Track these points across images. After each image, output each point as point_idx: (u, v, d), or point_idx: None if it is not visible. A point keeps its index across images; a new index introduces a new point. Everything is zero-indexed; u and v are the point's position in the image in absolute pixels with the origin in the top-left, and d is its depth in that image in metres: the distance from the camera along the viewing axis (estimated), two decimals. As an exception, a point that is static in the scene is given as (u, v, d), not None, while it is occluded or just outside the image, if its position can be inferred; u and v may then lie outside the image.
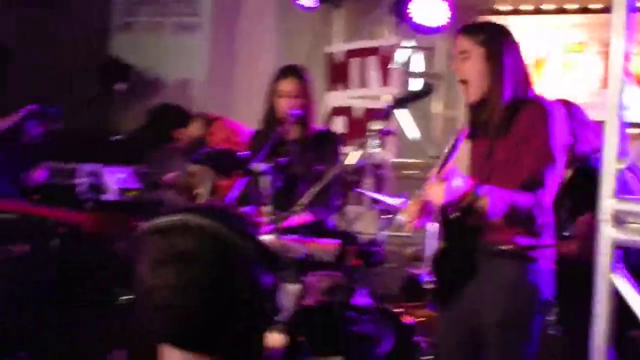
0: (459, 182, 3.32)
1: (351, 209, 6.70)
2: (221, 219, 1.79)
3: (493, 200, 3.36)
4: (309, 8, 7.25)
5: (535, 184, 3.46)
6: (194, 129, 5.96)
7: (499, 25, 3.85)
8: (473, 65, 3.61)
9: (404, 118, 6.83)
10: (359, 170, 6.08)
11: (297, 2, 7.21)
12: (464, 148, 3.70)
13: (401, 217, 3.67)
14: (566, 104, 4.38)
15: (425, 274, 3.71)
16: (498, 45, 3.63)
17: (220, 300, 1.74)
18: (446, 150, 3.56)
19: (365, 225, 7.13)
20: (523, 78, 3.65)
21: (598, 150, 4.49)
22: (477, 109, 3.66)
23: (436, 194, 3.38)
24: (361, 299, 2.44)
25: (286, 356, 2.23)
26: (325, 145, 4.99)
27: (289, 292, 2.56)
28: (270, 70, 7.59)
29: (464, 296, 3.63)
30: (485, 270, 3.58)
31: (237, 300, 1.76)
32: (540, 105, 3.58)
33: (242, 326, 1.78)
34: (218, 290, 1.74)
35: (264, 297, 1.80)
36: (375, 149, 6.26)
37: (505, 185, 3.46)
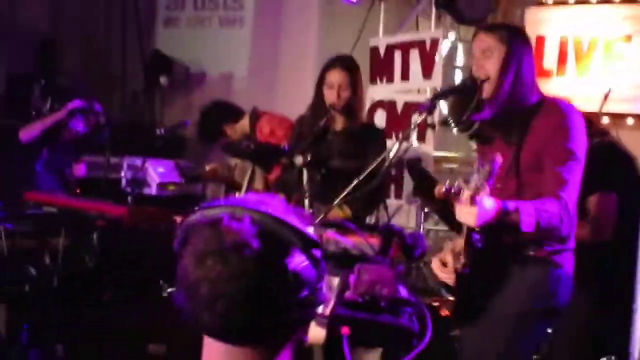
0: (490, 203, 3.26)
1: (391, 202, 6.68)
2: (267, 211, 1.79)
3: (524, 215, 3.33)
4: (352, 2, 7.24)
5: (560, 189, 3.44)
6: (244, 125, 5.99)
7: (517, 25, 3.93)
8: (495, 63, 3.64)
9: (445, 111, 6.78)
10: (400, 163, 6.05)
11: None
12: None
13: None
14: None
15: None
16: (520, 44, 3.70)
17: (265, 292, 1.73)
18: (484, 169, 3.47)
19: (405, 218, 7.12)
20: (533, 81, 3.71)
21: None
22: (496, 110, 3.68)
23: (468, 216, 3.29)
24: (402, 292, 2.41)
25: (327, 349, 2.22)
26: (370, 139, 4.98)
27: (331, 285, 2.54)
28: (313, 64, 7.65)
29: (488, 299, 3.63)
30: (510, 273, 3.60)
31: (282, 292, 1.75)
32: (556, 107, 3.61)
33: (286, 318, 1.78)
34: (263, 282, 1.73)
35: (308, 290, 1.80)
36: (416, 142, 6.29)
37: (533, 194, 3.46)
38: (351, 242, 3.37)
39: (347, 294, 2.41)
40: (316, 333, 2.20)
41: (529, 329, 3.64)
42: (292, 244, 1.77)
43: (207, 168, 6.27)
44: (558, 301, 3.64)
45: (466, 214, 3.28)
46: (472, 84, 3.82)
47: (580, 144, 3.55)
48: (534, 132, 3.57)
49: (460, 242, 3.63)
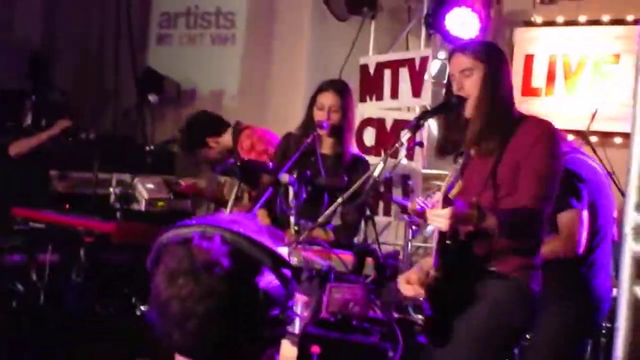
0: (462, 207, 3.28)
1: (380, 219, 6.69)
2: (238, 230, 1.80)
3: (499, 219, 3.35)
4: (343, 19, 7.27)
5: (534, 201, 3.46)
6: (226, 139, 5.99)
7: (493, 43, 4.04)
8: (475, 82, 3.66)
9: (435, 129, 6.80)
10: (387, 180, 6.07)
11: (331, 12, 7.23)
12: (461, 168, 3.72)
13: (430, 229, 3.67)
14: None
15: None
16: (498, 62, 3.73)
17: (236, 310, 1.74)
18: (453, 174, 3.52)
19: (393, 235, 7.14)
20: (512, 100, 3.73)
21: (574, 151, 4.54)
22: (474, 125, 3.68)
23: (439, 219, 3.32)
24: (375, 310, 2.43)
25: None
26: (358, 170, 4.99)
27: (305, 303, 2.56)
28: (304, 82, 7.68)
29: (455, 318, 3.61)
30: (476, 291, 3.58)
31: (252, 311, 1.76)
32: (536, 122, 3.64)
33: (256, 337, 1.79)
34: (233, 300, 1.74)
35: (279, 308, 1.81)
36: (404, 160, 6.31)
37: (508, 205, 3.47)
38: (328, 260, 3.40)
39: (321, 312, 2.43)
40: (289, 351, 2.21)
41: (491, 350, 3.60)
42: (263, 263, 1.78)
43: (183, 183, 6.27)
44: (520, 320, 3.60)
45: (437, 217, 3.31)
46: (457, 102, 3.85)
47: (557, 159, 3.58)
48: (513, 146, 3.58)
49: (429, 260, 3.64)
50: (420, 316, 3.72)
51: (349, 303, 2.43)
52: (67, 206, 5.92)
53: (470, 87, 3.66)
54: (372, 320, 2.41)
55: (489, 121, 3.63)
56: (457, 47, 3.87)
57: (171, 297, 1.74)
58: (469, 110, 3.68)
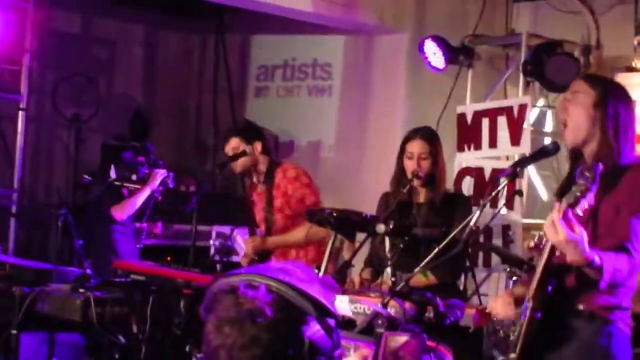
0: (578, 231, 3.13)
1: (480, 270, 6.60)
2: (284, 279, 1.79)
3: (606, 273, 3.22)
4: (440, 69, 7.25)
5: (631, 245, 3.33)
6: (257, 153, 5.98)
7: (618, 82, 3.78)
8: (578, 106, 3.48)
9: (534, 178, 6.72)
10: (486, 230, 5.98)
11: (428, 63, 7.22)
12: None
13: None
14: None
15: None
16: (609, 93, 3.49)
17: (281, 359, 1.73)
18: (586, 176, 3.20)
19: (494, 286, 7.01)
20: (629, 138, 3.49)
21: None
22: (575, 157, 3.55)
23: (552, 229, 3.11)
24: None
25: None
26: (456, 206, 4.96)
27: (362, 353, 2.54)
28: (400, 132, 7.65)
29: (543, 357, 3.51)
30: (565, 331, 3.47)
31: None
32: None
33: None
34: (277, 350, 1.74)
35: (324, 358, 1.80)
36: (503, 209, 6.22)
37: (605, 247, 3.33)
38: (384, 309, 3.36)
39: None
40: None
41: None
42: (308, 313, 1.78)
43: None
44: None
45: (551, 227, 3.11)
46: (553, 148, 3.76)
47: None
48: (620, 187, 3.39)
49: (520, 288, 3.54)
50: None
51: (403, 353, 2.39)
52: (169, 258, 5.98)
53: (570, 111, 3.49)
54: None
55: (595, 156, 3.43)
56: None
57: (219, 345, 1.76)
58: (568, 139, 3.52)
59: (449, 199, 5.05)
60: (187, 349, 5.04)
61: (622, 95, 3.57)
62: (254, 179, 6.08)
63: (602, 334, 3.45)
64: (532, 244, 4.70)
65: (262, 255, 5.87)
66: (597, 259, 3.19)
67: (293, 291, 1.78)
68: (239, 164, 5.96)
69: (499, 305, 3.58)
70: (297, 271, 1.86)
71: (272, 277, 1.80)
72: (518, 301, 3.55)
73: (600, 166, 3.12)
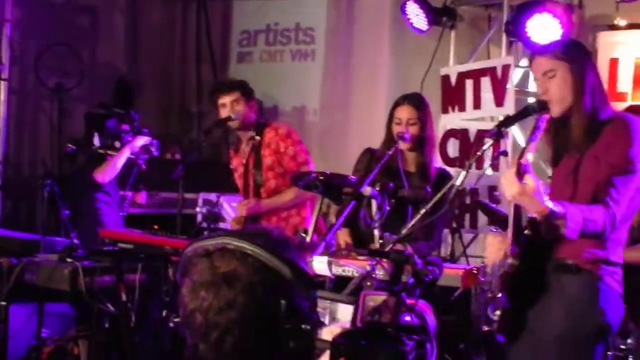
0: (532, 183, 3.19)
1: (466, 232, 6.63)
2: (260, 242, 1.79)
3: (570, 221, 3.26)
4: (422, 31, 7.23)
5: (611, 198, 3.37)
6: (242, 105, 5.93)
7: (577, 41, 3.87)
8: (559, 82, 3.57)
9: (519, 139, 6.72)
10: (473, 191, 6.00)
11: (411, 25, 7.20)
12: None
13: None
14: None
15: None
16: (582, 61, 3.61)
17: (257, 323, 1.74)
18: (528, 133, 3.44)
19: (481, 248, 7.04)
20: (603, 96, 3.62)
21: None
22: (560, 125, 3.61)
23: (509, 184, 3.23)
24: (410, 318, 2.40)
25: None
26: (443, 185, 4.96)
27: (342, 312, 2.57)
28: (385, 96, 7.65)
29: (530, 316, 3.57)
30: (550, 285, 3.53)
31: (274, 323, 1.76)
32: (621, 120, 3.53)
33: (280, 349, 1.79)
34: (253, 312, 1.75)
35: (302, 319, 1.79)
36: (489, 170, 6.24)
37: (587, 201, 3.38)
38: (362, 267, 3.38)
39: (356, 320, 2.42)
40: None
41: (584, 354, 3.49)
42: (283, 275, 1.78)
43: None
44: (607, 316, 3.48)
45: (504, 182, 3.25)
46: (539, 106, 3.78)
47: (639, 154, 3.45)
48: (599, 141, 3.49)
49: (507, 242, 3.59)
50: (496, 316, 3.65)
51: (381, 311, 2.40)
52: (157, 227, 5.99)
53: (554, 88, 3.58)
54: (407, 328, 2.38)
55: (582, 119, 3.54)
56: (536, 50, 3.79)
57: (195, 309, 1.76)
58: (556, 111, 3.59)
59: (439, 175, 5.08)
60: (164, 313, 5.06)
61: (587, 55, 3.72)
62: (242, 140, 6.02)
63: (588, 288, 3.49)
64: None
65: (253, 219, 5.83)
66: (558, 208, 3.24)
67: (268, 253, 1.78)
68: (235, 123, 5.89)
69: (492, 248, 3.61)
70: (271, 233, 1.86)
71: (247, 240, 1.79)
72: None
73: (544, 117, 3.33)
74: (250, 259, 1.76)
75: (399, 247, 4.36)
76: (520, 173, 3.19)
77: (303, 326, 1.80)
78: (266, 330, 1.76)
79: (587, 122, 3.52)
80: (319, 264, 3.99)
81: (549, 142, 3.70)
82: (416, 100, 5.10)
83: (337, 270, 4.01)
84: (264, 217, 5.87)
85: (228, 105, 5.85)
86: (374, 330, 2.36)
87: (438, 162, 5.20)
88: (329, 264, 4.02)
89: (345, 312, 2.57)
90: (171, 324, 4.97)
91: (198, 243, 1.83)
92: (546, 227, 3.35)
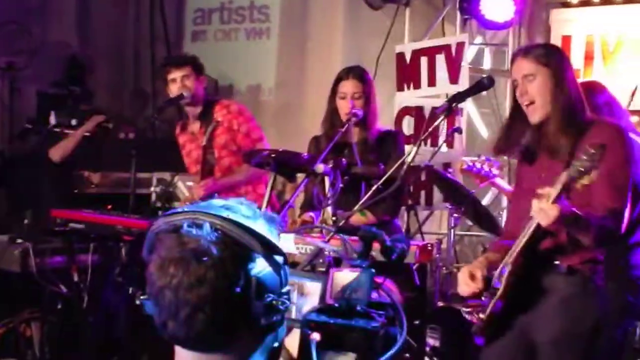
0: (567, 209, 3.23)
1: (422, 209, 6.64)
2: (228, 217, 1.77)
3: (594, 230, 3.33)
4: (376, 8, 7.22)
5: (614, 208, 3.42)
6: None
7: (555, 45, 4.00)
8: (540, 86, 3.59)
9: (474, 116, 6.75)
10: (428, 168, 6.00)
11: (365, 1, 7.19)
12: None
13: None
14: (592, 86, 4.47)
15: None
16: (562, 67, 3.63)
17: (227, 298, 1.72)
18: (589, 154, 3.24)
19: (436, 224, 7.07)
20: (581, 101, 3.63)
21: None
22: (541, 129, 3.63)
23: (546, 215, 3.23)
24: (380, 295, 2.40)
25: (300, 353, 2.21)
26: (388, 145, 4.95)
27: (311, 290, 2.55)
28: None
29: (524, 319, 3.60)
30: (544, 288, 3.56)
31: (244, 299, 1.74)
32: (605, 126, 3.58)
33: (251, 324, 1.77)
34: (224, 288, 1.72)
35: (272, 295, 1.78)
36: (443, 147, 6.25)
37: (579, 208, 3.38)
38: (330, 245, 3.37)
39: (326, 298, 2.41)
40: (290, 337, 2.20)
41: (582, 352, 3.55)
42: (254, 250, 1.76)
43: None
44: (601, 316, 3.56)
45: (540, 213, 3.23)
46: (489, 82, 3.78)
47: (629, 164, 3.52)
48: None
49: (494, 254, 3.60)
50: (465, 309, 3.65)
51: (352, 288, 2.39)
52: (110, 207, 5.94)
53: (533, 92, 3.60)
54: (378, 306, 2.38)
55: (560, 124, 3.55)
56: (518, 51, 3.78)
57: (163, 286, 1.73)
58: (535, 116, 3.61)
59: (382, 137, 5.02)
60: (129, 291, 5.01)
61: (565, 58, 3.76)
62: (189, 116, 5.93)
63: (580, 288, 3.55)
64: (464, 166, 5.11)
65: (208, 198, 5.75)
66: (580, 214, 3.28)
67: (238, 228, 1.75)
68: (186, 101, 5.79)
69: (464, 283, 3.61)
70: (241, 208, 1.83)
71: (216, 215, 1.76)
72: (491, 265, 3.60)
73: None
74: (221, 234, 1.73)
75: (356, 219, 4.37)
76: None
77: (274, 302, 1.77)
78: (236, 307, 1.73)
79: (565, 128, 3.54)
80: (285, 242, 3.96)
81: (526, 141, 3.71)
82: (360, 74, 5.00)
83: (303, 249, 3.98)
84: (220, 195, 5.81)
85: (178, 81, 5.75)
86: (344, 308, 2.35)
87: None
88: (295, 241, 4.00)
89: (313, 289, 2.55)
90: (137, 302, 4.92)
91: (165, 219, 1.80)
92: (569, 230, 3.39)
